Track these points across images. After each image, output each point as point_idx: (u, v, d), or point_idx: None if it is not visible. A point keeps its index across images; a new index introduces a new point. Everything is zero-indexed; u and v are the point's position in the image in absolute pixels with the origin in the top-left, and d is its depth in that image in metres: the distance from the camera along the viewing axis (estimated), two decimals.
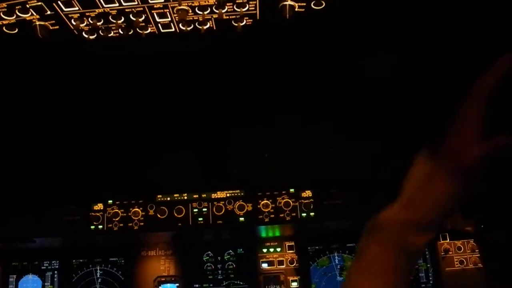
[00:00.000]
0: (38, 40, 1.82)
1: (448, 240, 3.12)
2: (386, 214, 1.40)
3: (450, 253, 3.10)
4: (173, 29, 1.88)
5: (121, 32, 1.85)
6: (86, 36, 1.85)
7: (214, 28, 1.89)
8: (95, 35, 1.85)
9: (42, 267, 3.07)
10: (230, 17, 1.83)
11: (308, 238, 3.09)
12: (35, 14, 1.72)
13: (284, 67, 2.58)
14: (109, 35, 1.87)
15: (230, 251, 3.08)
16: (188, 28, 1.86)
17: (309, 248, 3.10)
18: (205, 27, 1.86)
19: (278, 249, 3.08)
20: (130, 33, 1.87)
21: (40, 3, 1.67)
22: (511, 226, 2.64)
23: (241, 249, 3.08)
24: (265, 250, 3.08)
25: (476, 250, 3.04)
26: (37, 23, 1.76)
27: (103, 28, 1.82)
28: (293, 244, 3.09)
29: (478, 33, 2.15)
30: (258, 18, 1.86)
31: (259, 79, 2.71)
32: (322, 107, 2.90)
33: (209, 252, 3.08)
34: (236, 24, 1.86)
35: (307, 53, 2.49)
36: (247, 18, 1.86)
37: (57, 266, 3.08)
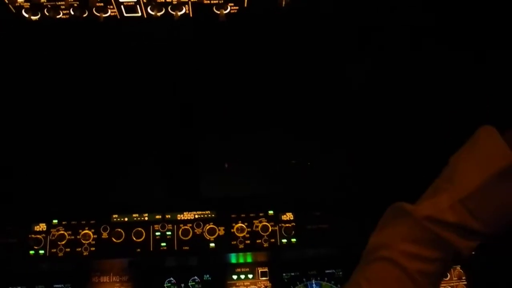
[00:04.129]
0: None
1: None
2: (423, 208, 1.08)
3: None
4: (139, 14, 1.52)
5: (73, 13, 1.47)
6: (26, 15, 1.46)
7: (191, 15, 1.55)
8: (39, 15, 1.46)
9: None
10: (212, 1, 1.49)
11: (283, 264, 2.81)
12: None
13: (265, 68, 2.43)
14: (57, 16, 1.48)
15: (196, 277, 2.75)
16: (159, 13, 1.51)
17: (284, 275, 2.82)
18: (179, 13, 1.51)
19: (250, 276, 2.79)
20: (84, 15, 1.49)
21: None
22: (503, 254, 2.54)
23: (208, 276, 2.77)
24: (235, 277, 2.79)
25: (463, 278, 2.86)
26: None
27: (49, 6, 1.44)
28: (267, 270, 2.80)
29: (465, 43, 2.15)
30: (245, 5, 1.52)
31: (235, 83, 2.55)
32: (304, 117, 2.75)
33: (171, 279, 2.74)
34: (218, 12, 1.52)
35: (292, 54, 2.36)
36: (232, 4, 1.52)
37: None
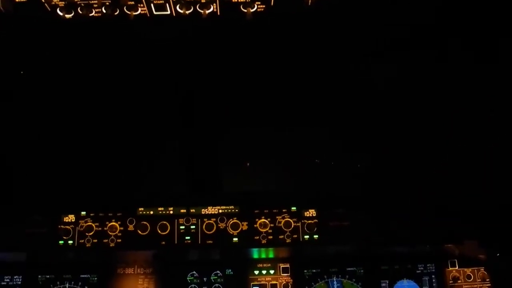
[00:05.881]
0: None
1: (457, 267, 2.88)
2: None
3: (459, 281, 2.86)
4: (168, 12, 1.56)
5: (105, 12, 1.52)
6: (61, 13, 1.51)
7: (218, 13, 1.58)
8: (72, 14, 1.52)
9: (3, 283, 2.73)
10: (239, 0, 1.51)
11: (305, 260, 2.82)
12: None
13: (289, 66, 2.44)
14: (90, 14, 1.53)
15: (218, 271, 2.78)
16: (187, 12, 1.55)
17: (306, 271, 2.83)
18: (207, 11, 1.54)
19: (272, 272, 2.81)
20: (115, 13, 1.54)
21: None
22: None
23: (230, 270, 2.80)
24: (257, 272, 2.80)
25: (487, 280, 2.82)
26: None
27: (82, 5, 1.49)
28: (288, 266, 2.81)
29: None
30: (272, 4, 1.54)
31: (259, 80, 2.55)
32: (327, 116, 2.76)
33: (194, 272, 2.78)
34: (245, 10, 1.55)
35: (312, 53, 2.34)
36: (259, 3, 1.54)
37: (19, 283, 2.73)
